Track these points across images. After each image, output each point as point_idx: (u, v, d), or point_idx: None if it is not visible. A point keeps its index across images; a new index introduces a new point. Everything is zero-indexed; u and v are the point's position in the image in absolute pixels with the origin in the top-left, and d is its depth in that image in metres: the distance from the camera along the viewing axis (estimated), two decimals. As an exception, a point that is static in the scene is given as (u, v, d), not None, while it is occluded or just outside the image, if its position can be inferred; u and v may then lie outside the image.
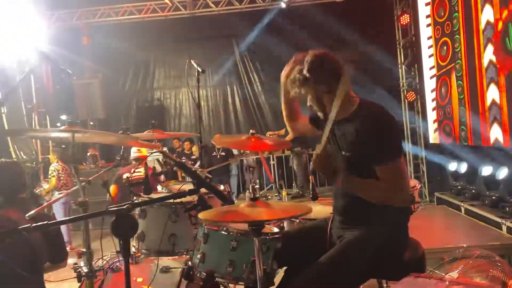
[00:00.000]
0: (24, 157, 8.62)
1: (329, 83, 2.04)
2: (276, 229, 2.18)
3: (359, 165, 2.01)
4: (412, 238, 2.13)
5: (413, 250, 2.07)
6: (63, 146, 6.87)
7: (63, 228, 6.05)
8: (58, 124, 10.06)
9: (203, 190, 1.92)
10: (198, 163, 7.75)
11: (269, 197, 8.21)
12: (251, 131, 2.92)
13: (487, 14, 5.38)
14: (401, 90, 9.02)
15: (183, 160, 7.25)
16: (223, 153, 8.79)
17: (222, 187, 2.80)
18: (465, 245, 3.79)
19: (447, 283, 1.72)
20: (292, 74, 2.10)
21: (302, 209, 1.84)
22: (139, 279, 2.45)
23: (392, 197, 1.97)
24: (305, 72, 2.04)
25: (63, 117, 10.30)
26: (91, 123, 9.72)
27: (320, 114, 2.15)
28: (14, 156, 8.58)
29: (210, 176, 2.99)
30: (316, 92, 2.08)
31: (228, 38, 10.96)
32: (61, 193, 6.35)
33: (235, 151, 9.54)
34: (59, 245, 2.57)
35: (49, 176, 6.51)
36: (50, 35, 8.84)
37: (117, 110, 11.05)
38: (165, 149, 9.15)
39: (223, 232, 2.05)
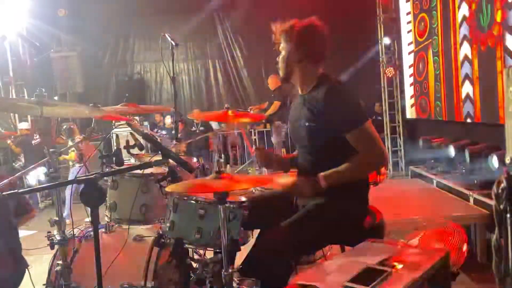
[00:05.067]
0: (2, 130, 8.54)
1: (307, 54, 2.11)
2: (243, 199, 2.27)
3: (322, 135, 2.08)
4: (372, 206, 2.24)
5: (372, 217, 2.19)
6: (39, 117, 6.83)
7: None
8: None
9: (172, 162, 1.99)
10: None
11: (250, 171, 8.33)
12: (225, 105, 3.01)
13: (463, -10, 5.45)
14: (381, 65, 9.11)
15: (163, 134, 7.30)
16: (201, 128, 8.82)
17: (194, 160, 2.87)
18: (429, 216, 3.98)
19: (399, 247, 1.84)
20: (284, 24, 2.16)
21: (265, 180, 1.93)
22: (115, 248, 2.53)
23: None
24: (295, 29, 2.10)
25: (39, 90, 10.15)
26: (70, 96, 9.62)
27: (280, 73, 2.23)
28: (-9, 130, 8.50)
29: (186, 149, 3.06)
30: (290, 53, 2.14)
31: (210, 12, 10.82)
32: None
33: (214, 126, 9.60)
34: (20, 200, 2.66)
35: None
36: (26, 7, 8.62)
37: (96, 83, 10.88)
38: (146, 124, 9.18)
39: (191, 201, 2.14)
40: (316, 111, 2.07)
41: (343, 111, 2.03)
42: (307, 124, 2.11)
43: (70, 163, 6.61)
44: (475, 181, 5.08)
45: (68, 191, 5.99)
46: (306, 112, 2.13)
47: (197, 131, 8.89)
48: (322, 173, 2.03)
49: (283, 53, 2.18)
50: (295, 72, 2.17)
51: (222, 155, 8.87)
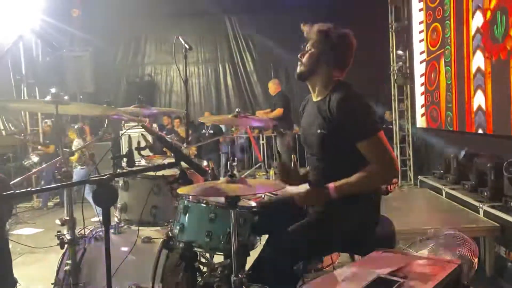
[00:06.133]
0: (13, 128, 8.60)
1: (337, 60, 2.12)
2: (254, 203, 2.26)
3: (334, 143, 2.07)
4: (384, 216, 2.22)
5: (384, 227, 2.17)
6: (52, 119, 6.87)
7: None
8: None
9: (184, 164, 1.99)
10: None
11: (257, 176, 8.32)
12: (236, 109, 3.00)
13: (477, 1, 5.42)
14: (391, 74, 9.07)
15: (171, 137, 7.31)
16: (211, 131, 8.86)
17: (205, 163, 2.87)
18: (439, 227, 3.93)
19: (410, 257, 1.81)
20: (323, 25, 2.16)
21: (276, 186, 1.92)
22: (124, 248, 2.53)
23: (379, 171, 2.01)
24: (334, 33, 2.11)
25: (53, 90, 10.20)
26: (81, 96, 9.67)
27: (300, 68, 2.20)
28: (2, 127, 8.57)
29: (196, 152, 3.06)
30: (323, 54, 2.13)
31: (221, 15, 10.88)
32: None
33: (224, 129, 9.62)
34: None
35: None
36: (40, 6, 8.70)
37: (107, 84, 10.96)
38: (154, 125, 9.20)
39: (202, 205, 2.14)
40: (329, 118, 2.06)
41: (355, 119, 2.02)
42: (319, 131, 2.10)
43: (74, 164, 6.63)
44: (485, 193, 5.03)
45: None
46: (319, 118, 2.12)
47: (207, 134, 8.91)
48: (333, 184, 2.01)
49: (313, 50, 2.15)
50: (318, 73, 2.16)
51: (235, 159, 8.85)
